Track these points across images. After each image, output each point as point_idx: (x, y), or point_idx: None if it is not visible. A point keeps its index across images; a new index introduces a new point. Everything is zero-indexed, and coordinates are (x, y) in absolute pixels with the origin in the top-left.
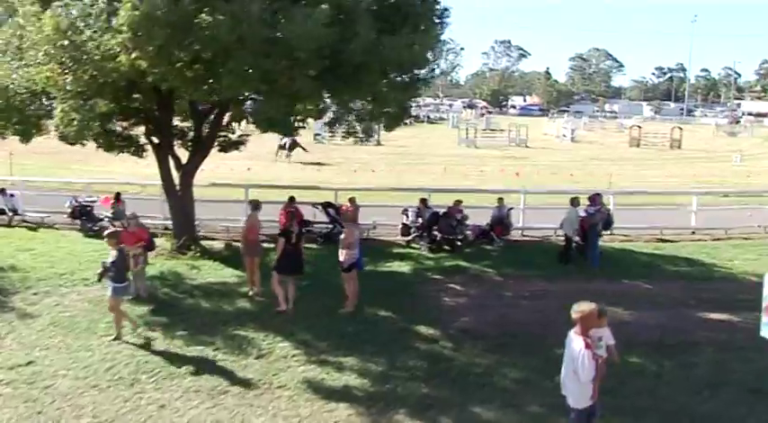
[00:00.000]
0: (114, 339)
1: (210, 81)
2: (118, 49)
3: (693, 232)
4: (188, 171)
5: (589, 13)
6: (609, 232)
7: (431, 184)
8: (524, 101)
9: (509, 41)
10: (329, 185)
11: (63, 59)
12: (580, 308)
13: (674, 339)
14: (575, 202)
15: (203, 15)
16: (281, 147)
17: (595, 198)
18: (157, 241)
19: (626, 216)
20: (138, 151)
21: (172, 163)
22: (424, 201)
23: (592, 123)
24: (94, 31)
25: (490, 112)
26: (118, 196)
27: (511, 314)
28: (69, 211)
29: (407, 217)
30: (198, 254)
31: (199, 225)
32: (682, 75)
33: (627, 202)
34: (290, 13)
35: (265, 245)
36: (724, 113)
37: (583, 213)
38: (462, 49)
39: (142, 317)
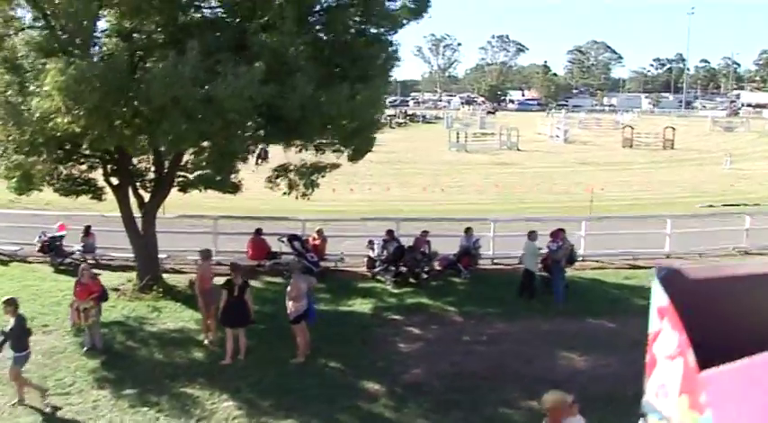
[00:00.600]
0: (16, 404)
1: (150, 137)
2: (53, 112)
3: (668, 256)
4: (149, 210)
5: (587, 6)
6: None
7: (413, 198)
8: (522, 96)
9: (507, 36)
10: (297, 216)
11: (3, 116)
12: (549, 399)
13: (626, 391)
14: (532, 235)
15: (136, 76)
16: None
17: (558, 233)
18: (123, 278)
19: (599, 241)
20: (98, 194)
21: (134, 201)
22: (390, 232)
23: (587, 121)
24: (28, 95)
25: (491, 113)
26: (88, 230)
27: (464, 363)
28: (39, 245)
29: (373, 250)
30: (161, 294)
31: (168, 257)
32: (681, 65)
33: (600, 225)
34: (223, 71)
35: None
36: (723, 105)
37: (545, 249)
38: (460, 44)
39: (94, 372)
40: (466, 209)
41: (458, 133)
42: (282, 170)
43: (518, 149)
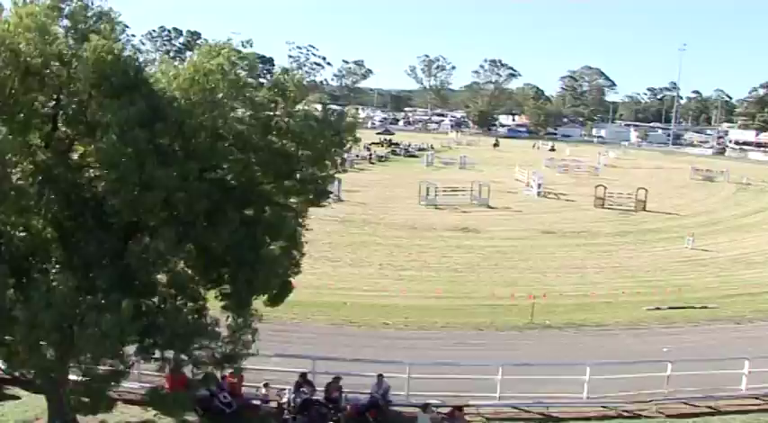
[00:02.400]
0: None
1: None
2: None
3: (586, 404)
4: None
5: (583, 35)
6: None
7: (362, 284)
8: (513, 120)
9: (499, 61)
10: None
11: None
12: None
13: None
14: (426, 409)
15: None
16: None
17: (454, 413)
18: None
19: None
20: None
21: None
22: (303, 375)
23: (566, 164)
24: None
25: (496, 145)
26: None
27: None
28: None
29: (283, 396)
30: None
31: None
32: (674, 93)
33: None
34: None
35: None
36: (709, 144)
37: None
38: (454, 67)
39: None
40: (409, 313)
41: (428, 188)
42: None
43: (488, 206)
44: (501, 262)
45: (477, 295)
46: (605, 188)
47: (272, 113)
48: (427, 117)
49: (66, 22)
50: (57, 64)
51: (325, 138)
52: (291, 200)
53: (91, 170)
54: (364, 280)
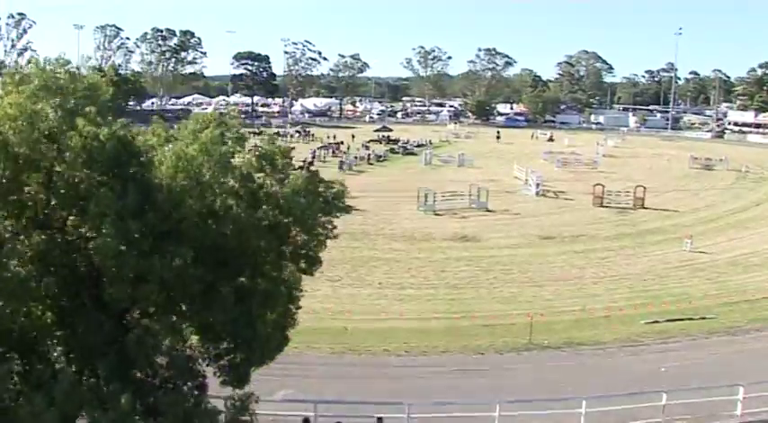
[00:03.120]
0: None
1: None
2: None
3: None
4: None
5: (578, 20)
6: None
7: (360, 305)
8: (511, 108)
9: (494, 49)
10: None
11: None
12: None
13: None
14: None
15: None
16: None
17: None
18: None
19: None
20: None
21: None
22: (306, 420)
23: (564, 159)
24: None
25: (498, 137)
26: None
27: None
28: None
29: None
30: None
31: None
32: (672, 75)
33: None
34: None
35: None
36: (708, 127)
37: None
38: (450, 57)
39: None
40: (409, 337)
41: (426, 195)
42: None
43: (487, 210)
44: (500, 275)
45: (476, 313)
46: (603, 187)
47: (260, 182)
48: (425, 108)
49: (56, 100)
50: (46, 142)
51: (314, 210)
52: (284, 272)
53: (85, 247)
54: (364, 301)
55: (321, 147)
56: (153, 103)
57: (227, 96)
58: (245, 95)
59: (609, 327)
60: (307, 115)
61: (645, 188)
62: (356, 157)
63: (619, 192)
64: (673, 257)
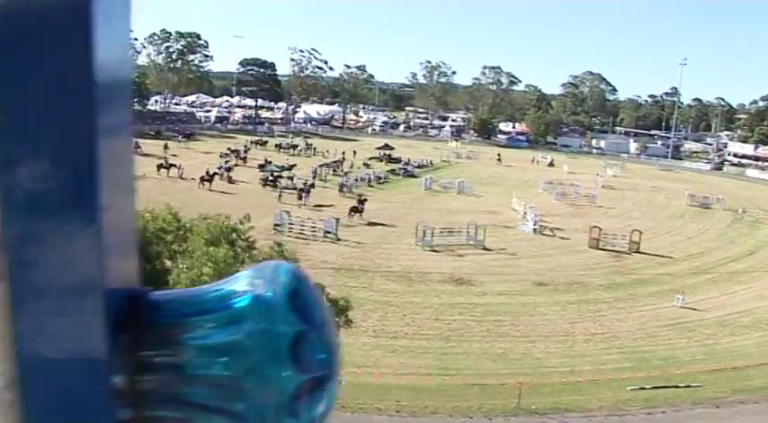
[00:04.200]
0: None
1: None
2: None
3: None
4: None
5: (584, 41)
6: None
7: (356, 358)
8: (513, 127)
9: (499, 67)
10: None
11: None
12: None
13: None
14: None
15: None
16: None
17: None
18: None
19: None
20: None
21: None
22: None
23: (563, 191)
24: None
25: (498, 160)
26: None
27: None
28: None
29: None
30: None
31: None
32: (674, 99)
33: None
34: None
35: None
36: (709, 157)
37: None
38: (455, 72)
39: None
40: (401, 395)
41: (424, 231)
42: None
43: (484, 248)
44: (492, 327)
45: (467, 371)
46: (600, 229)
47: None
48: (428, 121)
49: None
50: None
51: None
52: None
53: None
54: (359, 351)
55: (322, 164)
56: (156, 102)
57: (231, 97)
58: (249, 98)
59: (596, 392)
60: (310, 124)
61: (641, 233)
62: (357, 179)
63: (615, 234)
64: (664, 314)
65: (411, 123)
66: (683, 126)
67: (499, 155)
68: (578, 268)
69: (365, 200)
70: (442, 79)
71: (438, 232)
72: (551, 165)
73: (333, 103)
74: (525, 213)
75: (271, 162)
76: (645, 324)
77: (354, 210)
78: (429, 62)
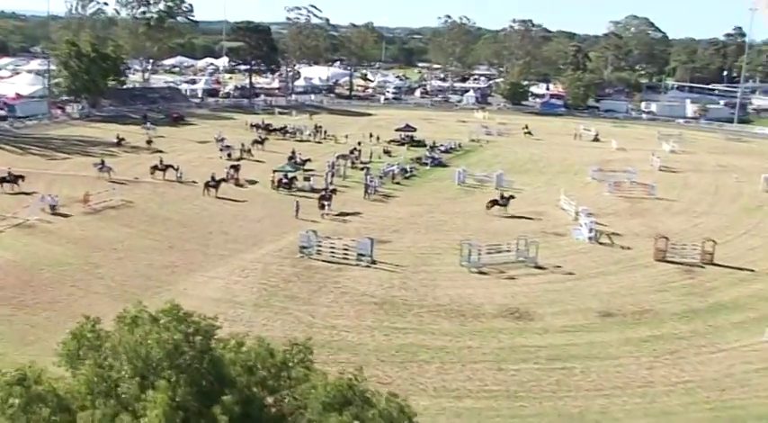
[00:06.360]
0: None
1: None
2: None
3: None
4: None
5: None
6: None
7: None
8: (547, 89)
9: (530, 21)
10: None
11: None
12: None
13: None
14: None
15: None
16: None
17: None
18: None
19: None
20: None
21: None
22: None
23: (617, 182)
24: None
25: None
26: None
27: None
28: None
29: None
30: None
31: None
32: (739, 41)
33: None
34: None
35: None
36: None
37: None
38: (479, 29)
39: None
40: None
41: (470, 251)
42: None
43: (536, 266)
44: (562, 378)
45: None
46: (667, 240)
47: None
48: (447, 84)
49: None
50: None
51: None
52: None
53: None
54: (422, 420)
55: (339, 155)
56: (134, 72)
57: (216, 58)
58: (240, 62)
59: None
60: (313, 96)
61: (714, 243)
62: (382, 176)
63: (684, 245)
64: (754, 353)
65: (428, 87)
66: (751, 76)
67: (527, 127)
68: (645, 290)
69: None
70: (465, 37)
71: (485, 251)
72: (596, 140)
73: (335, 62)
74: (577, 215)
75: (294, 155)
76: (732, 368)
77: None
78: (449, 17)
